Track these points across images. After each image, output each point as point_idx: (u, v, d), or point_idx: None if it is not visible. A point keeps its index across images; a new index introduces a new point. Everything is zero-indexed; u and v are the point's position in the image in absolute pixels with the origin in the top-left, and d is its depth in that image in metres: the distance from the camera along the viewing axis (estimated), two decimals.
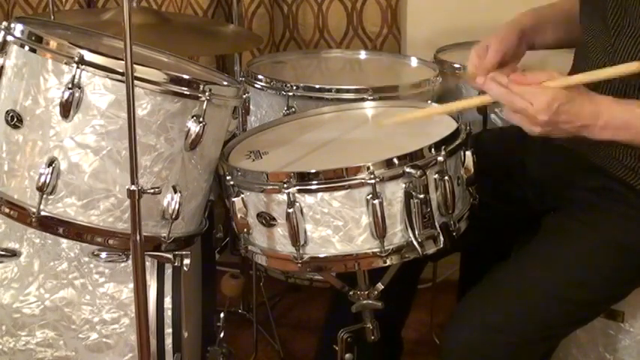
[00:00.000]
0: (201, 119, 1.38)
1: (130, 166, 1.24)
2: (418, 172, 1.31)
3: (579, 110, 1.31)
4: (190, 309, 1.65)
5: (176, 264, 1.46)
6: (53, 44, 1.35)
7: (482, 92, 1.46)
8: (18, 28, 1.40)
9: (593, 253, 1.45)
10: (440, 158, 1.35)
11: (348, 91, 1.87)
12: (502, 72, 1.45)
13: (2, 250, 1.55)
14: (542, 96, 1.30)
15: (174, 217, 1.41)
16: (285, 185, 1.33)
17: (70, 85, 1.33)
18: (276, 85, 1.91)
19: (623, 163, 1.47)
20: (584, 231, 1.47)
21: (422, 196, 1.32)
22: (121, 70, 1.30)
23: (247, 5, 2.37)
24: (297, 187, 1.33)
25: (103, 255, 1.50)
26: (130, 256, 1.31)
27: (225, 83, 1.55)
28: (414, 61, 2.19)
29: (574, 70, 1.62)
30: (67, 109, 1.34)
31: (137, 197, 1.26)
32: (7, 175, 1.42)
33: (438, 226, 1.36)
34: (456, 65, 2.02)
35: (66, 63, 1.34)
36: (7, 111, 1.39)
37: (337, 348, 1.53)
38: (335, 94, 1.86)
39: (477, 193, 1.50)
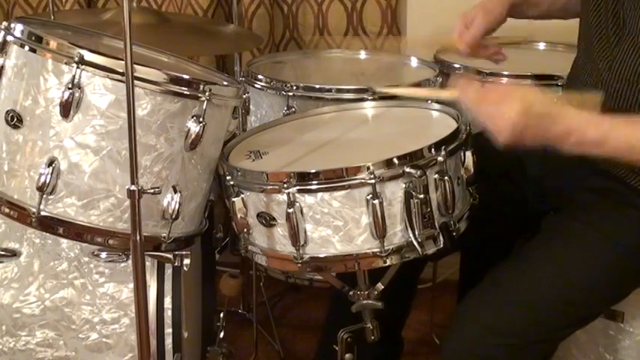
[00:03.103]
0: (201, 119, 1.38)
1: (130, 166, 1.24)
2: (418, 172, 1.31)
3: (546, 131, 1.30)
4: (190, 309, 1.65)
5: (176, 264, 1.46)
6: (53, 44, 1.35)
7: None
8: (18, 28, 1.40)
9: (593, 254, 1.45)
10: (440, 158, 1.35)
11: (348, 91, 1.87)
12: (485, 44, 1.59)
13: (2, 250, 1.55)
14: (506, 118, 1.29)
15: (174, 217, 1.41)
16: (285, 185, 1.33)
17: (70, 85, 1.33)
18: (276, 85, 1.91)
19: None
20: (585, 231, 1.47)
21: (422, 196, 1.32)
22: (121, 70, 1.30)
23: (247, 5, 2.37)
24: (297, 187, 1.33)
25: (103, 255, 1.50)
26: (130, 256, 1.31)
27: (225, 83, 1.54)
28: (414, 61, 2.19)
29: (572, 72, 1.63)
30: (67, 109, 1.34)
31: (137, 197, 1.25)
32: (7, 175, 1.42)
33: (438, 226, 1.36)
34: (456, 65, 2.02)
35: (66, 63, 1.34)
36: (7, 111, 1.39)
37: (337, 348, 1.53)
38: (335, 94, 1.86)
39: (477, 193, 1.50)
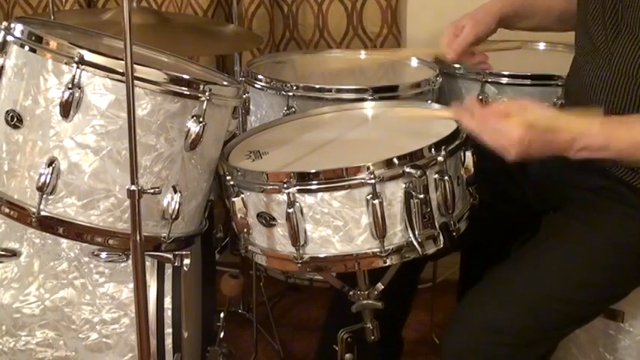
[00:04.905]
0: (201, 119, 1.38)
1: (130, 166, 1.24)
2: (418, 172, 1.31)
3: (552, 140, 1.31)
4: (190, 309, 1.65)
5: (176, 264, 1.46)
6: (53, 44, 1.35)
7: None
8: (18, 28, 1.40)
9: (593, 253, 1.45)
10: (440, 158, 1.35)
11: (348, 91, 1.87)
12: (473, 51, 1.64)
13: (2, 250, 1.55)
14: (512, 134, 1.29)
15: (174, 217, 1.41)
16: (285, 185, 1.33)
17: (70, 85, 1.33)
18: (276, 85, 1.90)
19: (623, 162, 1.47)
20: (584, 231, 1.47)
21: (422, 196, 1.32)
22: (121, 70, 1.30)
23: (247, 5, 2.37)
24: (297, 187, 1.33)
25: (103, 255, 1.50)
26: (130, 256, 1.31)
27: (225, 83, 1.55)
28: (414, 61, 2.19)
29: (571, 71, 1.63)
30: (67, 109, 1.34)
31: (137, 197, 1.26)
32: (7, 175, 1.42)
33: (438, 226, 1.36)
34: (456, 65, 2.02)
35: (66, 63, 1.34)
36: (7, 111, 1.39)
37: (337, 348, 1.53)
38: (335, 94, 1.86)
39: (477, 193, 1.50)
